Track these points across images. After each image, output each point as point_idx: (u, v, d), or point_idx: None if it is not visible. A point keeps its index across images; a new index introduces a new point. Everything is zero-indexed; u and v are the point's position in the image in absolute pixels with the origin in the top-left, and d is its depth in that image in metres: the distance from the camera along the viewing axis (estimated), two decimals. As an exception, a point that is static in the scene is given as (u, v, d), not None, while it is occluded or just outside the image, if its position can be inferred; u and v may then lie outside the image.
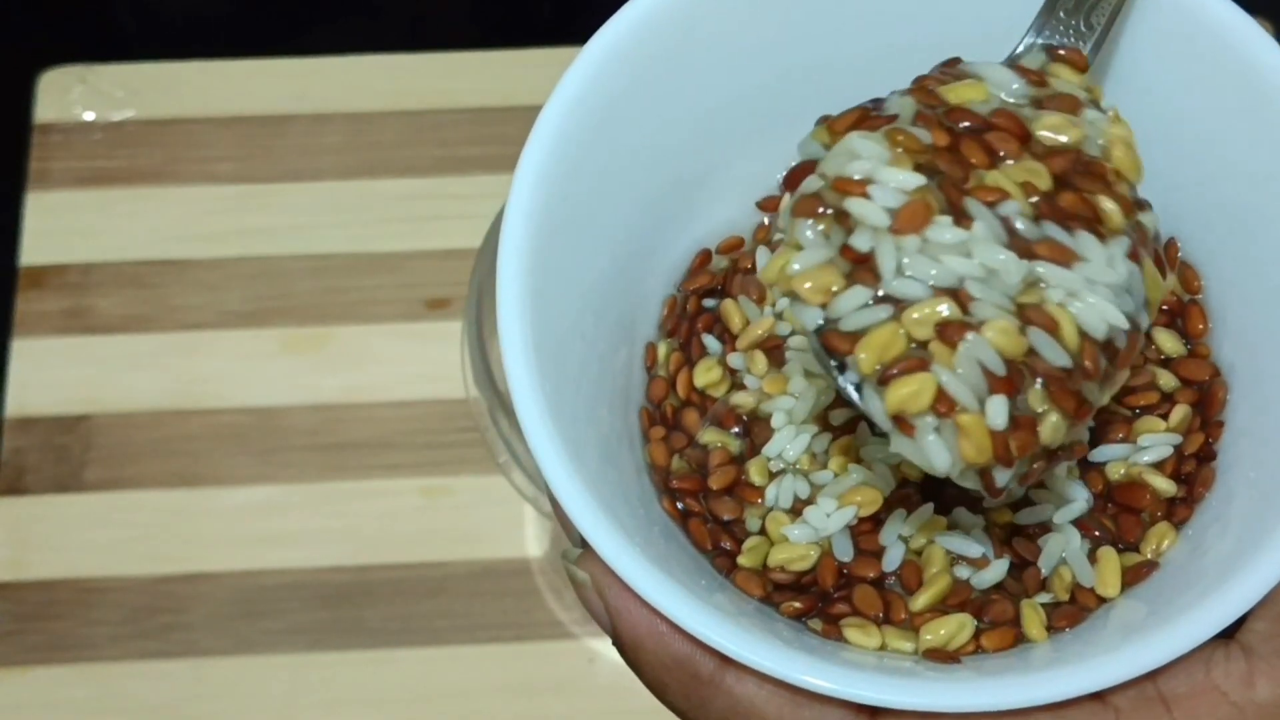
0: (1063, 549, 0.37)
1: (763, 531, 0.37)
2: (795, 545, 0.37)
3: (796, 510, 0.37)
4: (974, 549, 0.36)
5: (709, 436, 0.39)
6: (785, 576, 0.37)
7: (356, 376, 0.68)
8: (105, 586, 0.64)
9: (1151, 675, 0.31)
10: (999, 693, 0.31)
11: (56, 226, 0.71)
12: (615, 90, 0.37)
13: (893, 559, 0.37)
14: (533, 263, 0.34)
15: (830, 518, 0.37)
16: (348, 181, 0.72)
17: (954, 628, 0.35)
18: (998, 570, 0.36)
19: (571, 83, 0.36)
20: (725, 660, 0.32)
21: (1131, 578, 0.36)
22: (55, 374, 0.68)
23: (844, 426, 0.38)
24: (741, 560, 0.37)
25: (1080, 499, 0.37)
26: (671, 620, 0.31)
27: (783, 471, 0.38)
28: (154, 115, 0.73)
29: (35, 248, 0.70)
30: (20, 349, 0.68)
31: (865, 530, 0.37)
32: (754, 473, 0.38)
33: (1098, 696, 0.31)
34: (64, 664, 0.62)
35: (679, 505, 0.38)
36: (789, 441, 0.38)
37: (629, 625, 0.32)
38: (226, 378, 0.68)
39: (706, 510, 0.38)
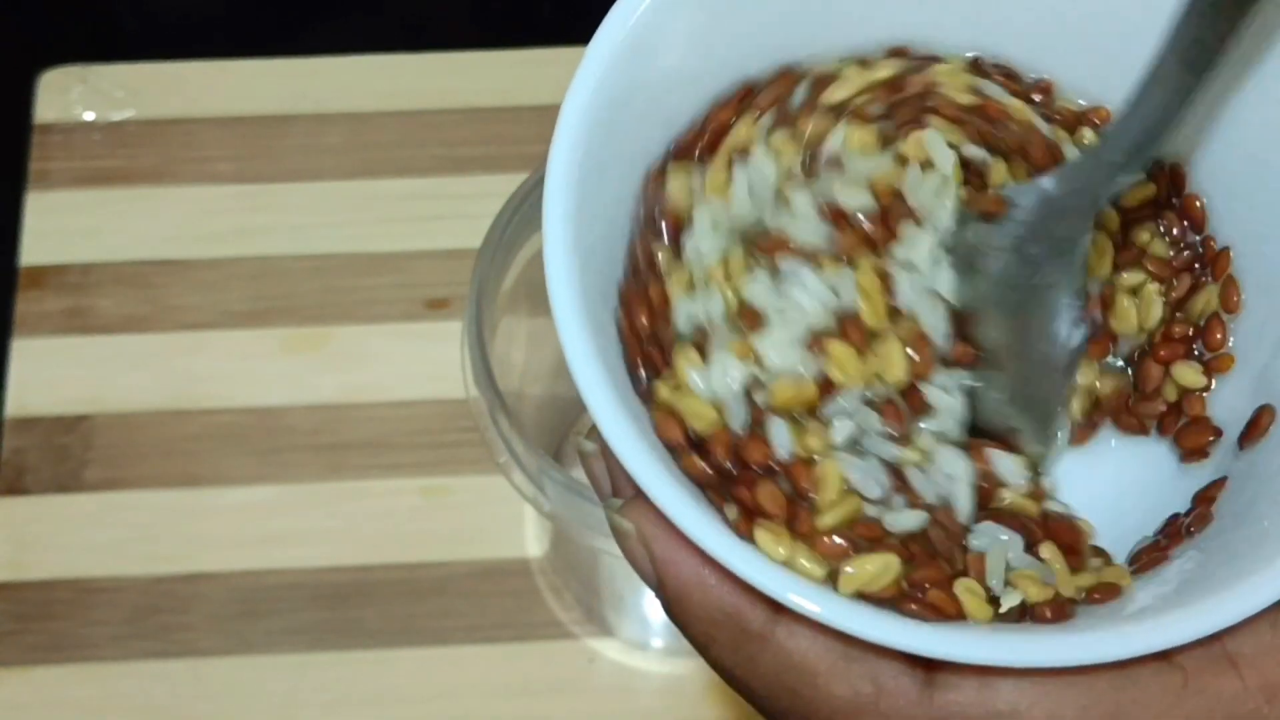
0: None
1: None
2: (695, 399, 0.33)
3: (698, 345, 0.34)
4: (871, 486, 0.33)
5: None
6: (688, 429, 0.33)
7: (356, 376, 0.68)
8: (105, 586, 0.64)
9: (1218, 634, 0.30)
10: (1063, 649, 0.30)
11: (56, 226, 0.71)
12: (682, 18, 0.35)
13: (780, 445, 0.33)
14: (577, 197, 0.33)
15: (727, 376, 0.33)
16: (348, 181, 0.72)
17: (878, 568, 0.32)
18: (914, 519, 0.33)
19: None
20: (776, 613, 0.30)
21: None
22: (55, 374, 0.68)
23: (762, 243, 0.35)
24: (660, 393, 0.34)
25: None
26: (727, 568, 0.30)
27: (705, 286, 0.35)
28: (154, 115, 0.73)
29: (35, 248, 0.70)
30: (20, 349, 0.68)
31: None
32: (673, 280, 0.35)
33: (1163, 655, 0.30)
34: (64, 664, 0.62)
35: (625, 320, 0.35)
36: (705, 238, 0.35)
37: (675, 577, 0.31)
38: (226, 378, 0.68)
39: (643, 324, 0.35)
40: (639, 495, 0.31)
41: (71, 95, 0.73)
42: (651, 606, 0.64)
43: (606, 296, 0.34)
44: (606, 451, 0.32)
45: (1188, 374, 0.36)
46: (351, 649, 0.63)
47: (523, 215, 0.54)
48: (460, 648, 0.63)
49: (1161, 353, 0.37)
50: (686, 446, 0.33)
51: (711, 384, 0.34)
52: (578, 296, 0.32)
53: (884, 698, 0.30)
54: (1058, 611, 0.32)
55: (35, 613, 0.63)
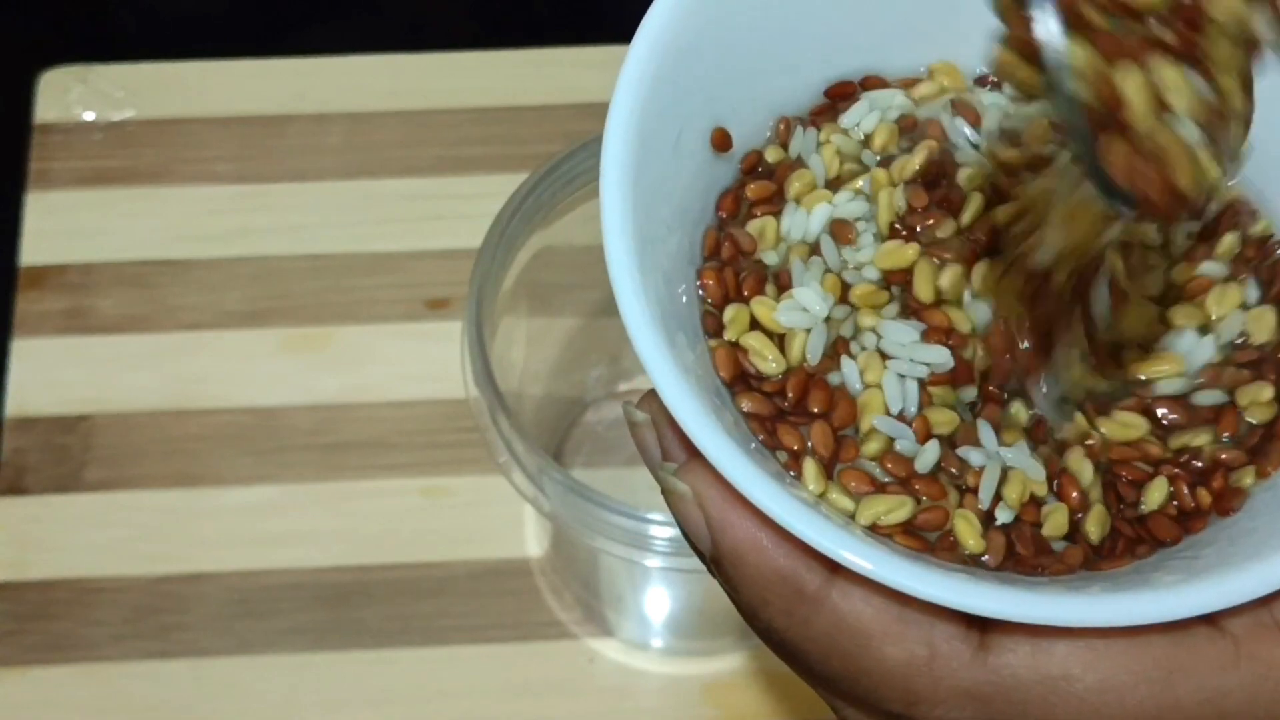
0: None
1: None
2: (766, 340, 0.35)
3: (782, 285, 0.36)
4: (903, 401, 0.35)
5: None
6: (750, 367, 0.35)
7: (356, 376, 0.68)
8: (105, 586, 0.64)
9: (1266, 603, 0.30)
10: (1119, 609, 0.29)
11: (56, 226, 0.71)
12: None
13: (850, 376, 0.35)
14: (636, 158, 0.33)
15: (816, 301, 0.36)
16: (348, 181, 0.72)
17: (890, 506, 0.33)
18: (932, 455, 0.34)
19: None
20: (831, 575, 0.31)
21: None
22: (55, 374, 0.68)
23: None
24: (727, 330, 0.35)
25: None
26: (783, 526, 0.30)
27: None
28: (154, 115, 0.73)
29: (35, 248, 0.70)
30: (20, 349, 0.68)
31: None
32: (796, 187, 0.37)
33: (1214, 624, 0.30)
34: (64, 664, 0.62)
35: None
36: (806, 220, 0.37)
37: (731, 539, 0.31)
38: (226, 378, 0.68)
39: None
40: (694, 458, 0.32)
41: (71, 95, 0.73)
42: (651, 606, 0.64)
43: (660, 257, 0.34)
44: (658, 419, 0.33)
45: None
46: (351, 649, 0.63)
47: (523, 215, 0.54)
48: (460, 648, 0.63)
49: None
50: (746, 382, 0.34)
51: (803, 307, 0.35)
52: (635, 262, 0.32)
53: (937, 660, 0.30)
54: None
55: (35, 613, 0.63)
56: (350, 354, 0.68)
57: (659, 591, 0.63)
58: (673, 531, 0.51)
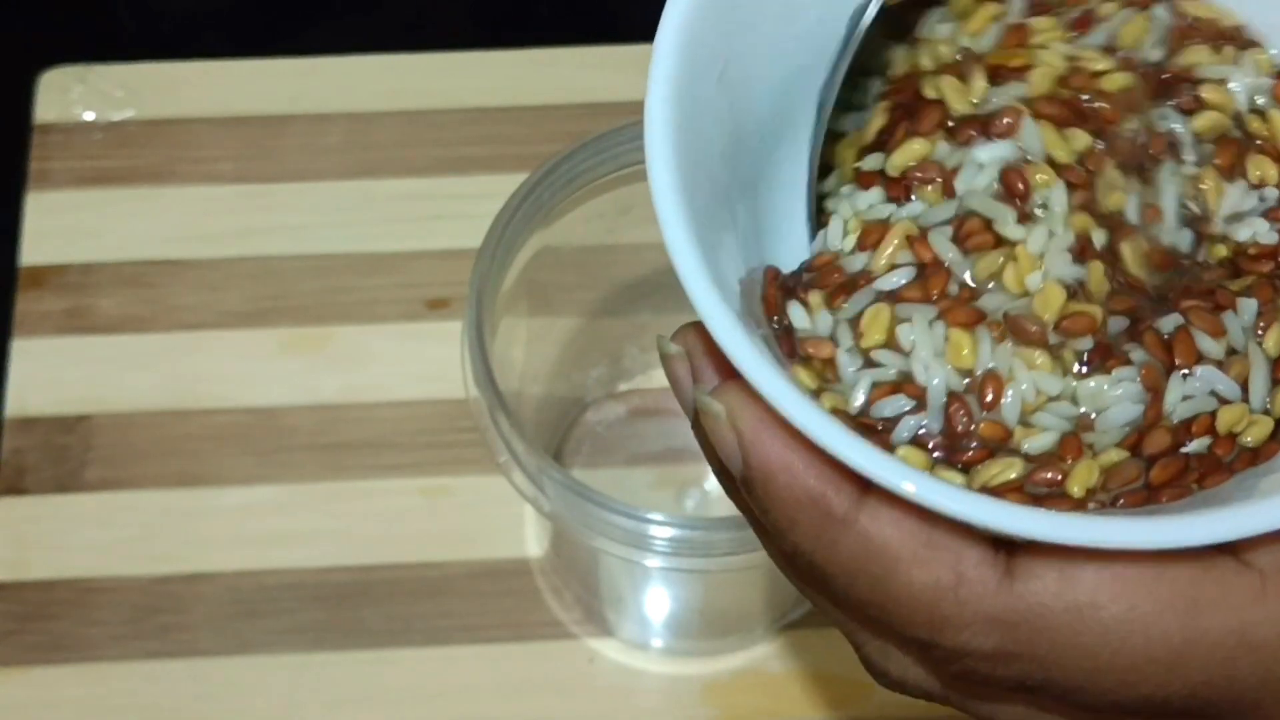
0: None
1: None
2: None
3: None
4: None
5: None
6: None
7: (356, 376, 0.68)
8: (105, 586, 0.64)
9: None
10: (1150, 532, 0.29)
11: (56, 226, 0.71)
12: None
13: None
14: (682, 86, 0.33)
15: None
16: (348, 181, 0.72)
17: (1000, 468, 0.33)
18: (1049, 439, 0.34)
19: None
20: (860, 498, 0.31)
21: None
22: (55, 374, 0.68)
23: None
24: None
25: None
26: (817, 443, 0.30)
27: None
28: (154, 115, 0.73)
29: (35, 248, 0.70)
30: (20, 349, 0.68)
31: None
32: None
33: (1240, 558, 0.30)
34: (64, 664, 0.62)
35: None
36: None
37: (762, 458, 0.31)
38: (226, 378, 0.68)
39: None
40: (729, 380, 0.32)
41: (71, 95, 0.73)
42: (651, 606, 0.64)
43: (704, 185, 0.33)
44: (693, 348, 0.33)
45: None
46: (351, 649, 0.63)
47: (523, 215, 0.54)
48: (460, 648, 0.63)
49: None
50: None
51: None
52: (676, 182, 0.32)
53: (964, 586, 0.30)
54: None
55: (35, 613, 0.63)
56: (350, 354, 0.68)
57: (659, 591, 0.63)
58: (673, 531, 0.51)
